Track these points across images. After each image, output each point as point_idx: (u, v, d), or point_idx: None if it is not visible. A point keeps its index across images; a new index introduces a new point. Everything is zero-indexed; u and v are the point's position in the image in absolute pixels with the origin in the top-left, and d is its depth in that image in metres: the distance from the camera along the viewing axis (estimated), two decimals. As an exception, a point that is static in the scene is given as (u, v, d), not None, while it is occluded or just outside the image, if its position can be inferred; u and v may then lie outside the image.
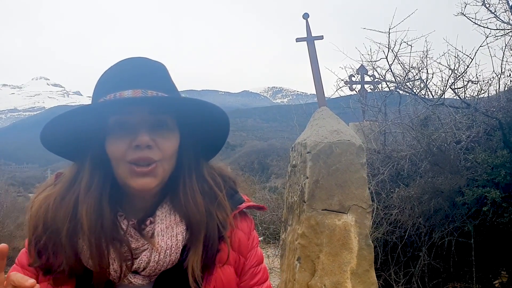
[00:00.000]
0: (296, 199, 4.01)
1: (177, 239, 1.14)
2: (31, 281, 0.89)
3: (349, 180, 3.77)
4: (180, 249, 1.14)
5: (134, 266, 1.11)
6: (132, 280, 1.11)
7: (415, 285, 5.78)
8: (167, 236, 1.14)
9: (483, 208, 5.33)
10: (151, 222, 1.16)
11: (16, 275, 0.90)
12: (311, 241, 3.73)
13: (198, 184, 1.21)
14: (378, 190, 6.04)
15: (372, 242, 3.85)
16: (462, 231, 5.75)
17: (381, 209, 5.88)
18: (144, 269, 1.12)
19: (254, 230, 1.34)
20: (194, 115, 1.20)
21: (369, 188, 3.93)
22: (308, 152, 3.82)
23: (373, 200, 5.46)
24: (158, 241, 1.12)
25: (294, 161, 4.18)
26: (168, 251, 1.12)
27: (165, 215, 1.17)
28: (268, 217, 9.12)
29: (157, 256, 1.11)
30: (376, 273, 3.87)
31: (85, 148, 1.17)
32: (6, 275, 0.97)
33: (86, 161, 1.16)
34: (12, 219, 14.09)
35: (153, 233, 1.14)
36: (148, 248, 1.12)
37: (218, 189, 1.23)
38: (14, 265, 1.19)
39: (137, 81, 1.14)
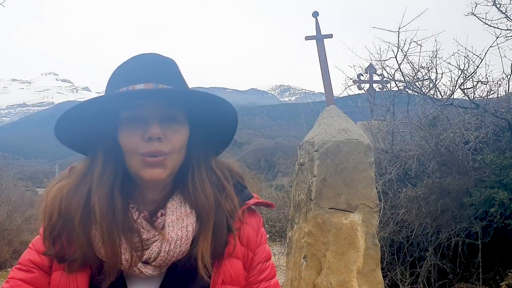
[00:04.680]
0: (303, 197, 4.01)
1: (187, 230, 1.17)
2: None
3: (357, 179, 3.77)
4: (190, 240, 1.17)
5: (145, 256, 1.14)
6: (143, 270, 1.14)
7: (421, 285, 5.77)
8: (177, 227, 1.16)
9: (491, 209, 5.31)
10: (162, 215, 1.19)
11: None
12: (317, 240, 3.74)
13: (207, 175, 1.24)
14: (385, 189, 6.02)
15: (378, 241, 3.85)
16: (469, 232, 5.73)
17: (388, 209, 5.87)
18: (155, 259, 1.14)
19: (263, 227, 1.36)
20: (203, 108, 1.23)
21: (376, 188, 3.92)
22: (316, 151, 3.83)
23: (380, 200, 5.44)
24: (168, 232, 1.15)
25: (301, 159, 4.19)
26: (178, 241, 1.15)
27: (176, 207, 1.19)
28: (274, 215, 9.12)
29: (167, 247, 1.14)
30: (382, 272, 3.87)
31: (97, 141, 1.20)
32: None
33: (99, 153, 1.19)
34: (20, 213, 14.21)
35: (163, 225, 1.17)
36: (159, 239, 1.15)
37: (226, 181, 1.26)
38: (29, 249, 1.22)
39: (149, 75, 1.18)
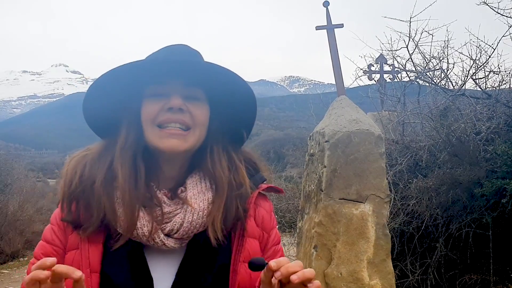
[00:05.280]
0: (313, 187, 4.01)
1: (208, 202, 1.21)
2: (78, 273, 0.95)
3: (367, 170, 3.77)
4: (209, 212, 1.21)
5: (168, 229, 1.17)
6: (166, 242, 1.17)
7: (431, 276, 5.76)
8: (199, 199, 1.21)
9: (502, 200, 5.28)
10: (182, 191, 1.23)
11: (60, 267, 0.94)
12: (328, 230, 3.74)
13: (223, 154, 1.29)
14: (396, 180, 6.00)
15: (389, 232, 3.85)
16: (480, 222, 5.70)
17: (398, 200, 5.86)
18: (177, 231, 1.18)
19: (273, 212, 1.41)
20: (224, 91, 1.27)
21: (386, 178, 3.91)
22: (326, 141, 3.82)
23: (390, 191, 5.43)
24: (191, 203, 1.19)
25: (312, 150, 4.18)
26: (201, 213, 1.19)
27: (196, 183, 1.24)
28: (284, 205, 9.14)
29: (190, 217, 1.18)
30: (392, 263, 3.87)
31: (121, 117, 1.25)
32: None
33: (122, 127, 1.23)
34: (31, 203, 14.37)
35: (186, 198, 1.21)
36: (181, 211, 1.18)
37: (239, 162, 1.31)
38: (50, 224, 1.26)
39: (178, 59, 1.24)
